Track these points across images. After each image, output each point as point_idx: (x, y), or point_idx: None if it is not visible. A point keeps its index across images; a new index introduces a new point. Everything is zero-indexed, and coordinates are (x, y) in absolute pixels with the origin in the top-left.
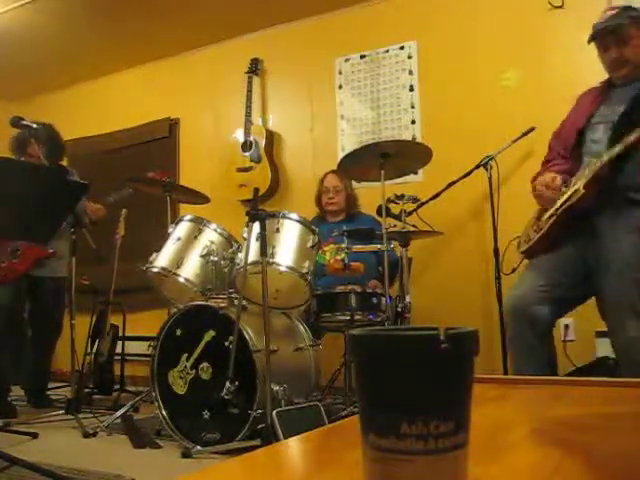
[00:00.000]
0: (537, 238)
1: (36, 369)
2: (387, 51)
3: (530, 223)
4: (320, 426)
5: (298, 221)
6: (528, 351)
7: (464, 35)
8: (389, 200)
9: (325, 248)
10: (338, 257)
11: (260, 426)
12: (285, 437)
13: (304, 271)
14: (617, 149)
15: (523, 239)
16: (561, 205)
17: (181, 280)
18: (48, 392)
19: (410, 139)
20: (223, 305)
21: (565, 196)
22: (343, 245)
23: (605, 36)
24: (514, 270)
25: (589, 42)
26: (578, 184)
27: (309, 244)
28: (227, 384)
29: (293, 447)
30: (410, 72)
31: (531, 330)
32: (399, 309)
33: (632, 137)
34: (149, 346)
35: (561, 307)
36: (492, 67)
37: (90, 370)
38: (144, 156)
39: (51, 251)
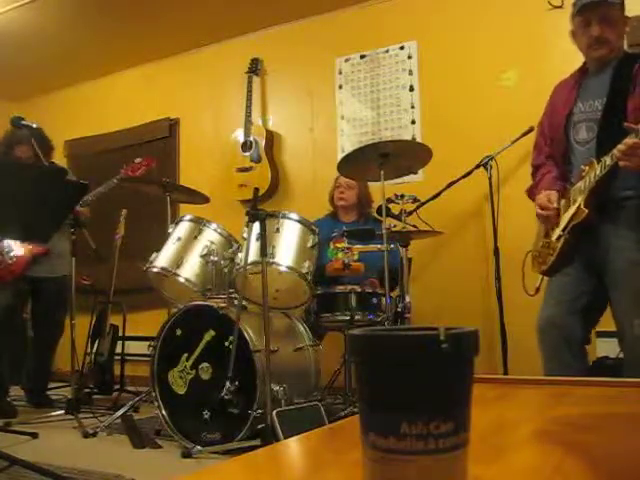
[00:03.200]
0: (554, 259)
1: (37, 369)
2: (387, 51)
3: (540, 241)
4: (320, 426)
5: (298, 221)
6: (566, 370)
7: (464, 35)
8: (389, 200)
9: (338, 245)
10: (346, 257)
11: (260, 426)
12: (285, 437)
13: (304, 271)
14: (610, 161)
15: (538, 260)
16: (566, 225)
17: (181, 280)
18: (48, 392)
19: (410, 139)
20: (223, 305)
21: (568, 215)
22: (357, 246)
23: (594, 9)
24: (537, 290)
25: (574, 15)
26: (579, 200)
27: (309, 244)
28: (227, 384)
29: (293, 447)
30: (410, 72)
31: (567, 347)
32: (399, 309)
33: (619, 150)
34: (149, 346)
35: (590, 317)
36: (492, 67)
37: (90, 370)
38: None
39: (44, 247)
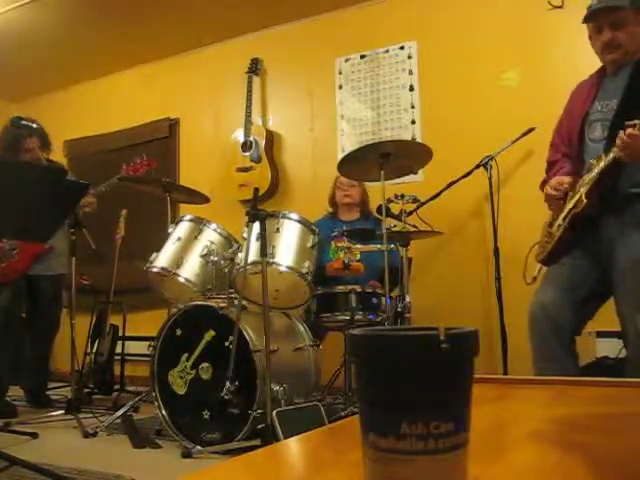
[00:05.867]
0: (551, 247)
1: (35, 368)
2: (387, 51)
3: (543, 231)
4: (320, 426)
5: (298, 221)
6: (552, 359)
7: (464, 35)
8: (389, 200)
9: (339, 244)
10: (346, 257)
11: (260, 426)
12: (285, 437)
13: (304, 271)
14: (612, 155)
15: (539, 250)
16: (567, 214)
17: (181, 280)
18: (48, 392)
19: (410, 139)
20: (223, 305)
21: (570, 204)
22: (357, 245)
23: (602, 16)
24: (534, 279)
25: (584, 22)
26: (581, 191)
27: (309, 244)
28: (227, 384)
29: (293, 447)
30: (410, 72)
31: (556, 335)
32: (399, 309)
33: (620, 138)
34: (149, 346)
35: (583, 310)
36: (492, 67)
37: (90, 370)
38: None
39: (47, 246)
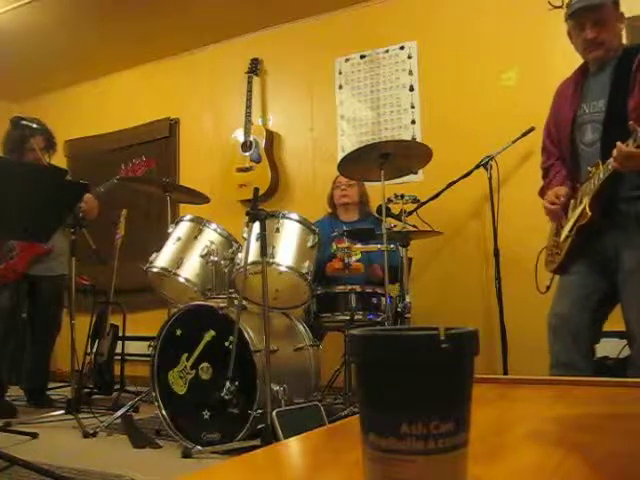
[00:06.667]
0: (562, 258)
1: (36, 368)
2: (387, 51)
3: (550, 240)
4: (320, 426)
5: (298, 221)
6: (572, 367)
7: (464, 35)
8: (389, 200)
9: (340, 245)
10: (347, 257)
11: (260, 426)
12: (285, 437)
13: (304, 271)
14: (611, 167)
15: (548, 259)
16: (573, 226)
17: (181, 280)
18: (48, 392)
19: (410, 139)
20: (223, 305)
21: (575, 215)
22: (358, 246)
23: (584, 14)
24: (548, 288)
25: (566, 19)
26: (584, 201)
27: (309, 244)
28: (227, 384)
29: (293, 447)
30: (410, 72)
31: (576, 344)
32: (399, 309)
33: (613, 155)
34: (149, 346)
35: (597, 316)
36: (492, 67)
37: (90, 370)
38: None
39: (48, 247)
